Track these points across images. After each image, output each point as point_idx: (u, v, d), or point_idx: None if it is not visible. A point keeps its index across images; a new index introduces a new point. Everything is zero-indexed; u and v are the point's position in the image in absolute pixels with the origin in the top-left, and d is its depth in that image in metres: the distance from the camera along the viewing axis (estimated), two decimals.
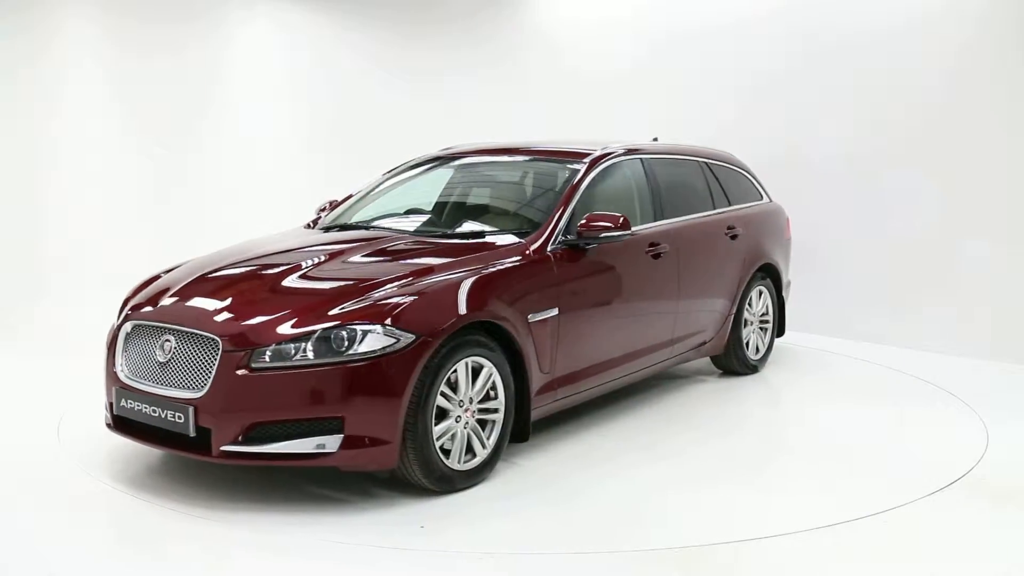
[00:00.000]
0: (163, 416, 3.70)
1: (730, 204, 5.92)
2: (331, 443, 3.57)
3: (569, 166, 4.94)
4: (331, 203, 5.56)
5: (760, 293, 6.08)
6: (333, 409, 3.57)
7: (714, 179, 5.89)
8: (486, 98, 9.30)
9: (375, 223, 4.99)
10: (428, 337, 3.69)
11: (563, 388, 4.46)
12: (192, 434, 3.63)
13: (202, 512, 3.67)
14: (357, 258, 4.33)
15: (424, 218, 5.10)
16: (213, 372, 3.61)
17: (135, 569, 3.26)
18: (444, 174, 5.48)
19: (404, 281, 3.89)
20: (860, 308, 7.17)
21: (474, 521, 3.66)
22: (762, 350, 6.14)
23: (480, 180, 5.45)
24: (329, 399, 3.56)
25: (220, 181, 8.96)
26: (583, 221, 4.51)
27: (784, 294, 6.36)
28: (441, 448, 3.81)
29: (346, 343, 3.60)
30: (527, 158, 5.32)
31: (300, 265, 4.17)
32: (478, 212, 5.14)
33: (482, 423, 4.01)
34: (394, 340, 3.63)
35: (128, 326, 4.03)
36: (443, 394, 3.79)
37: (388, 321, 3.66)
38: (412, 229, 4.84)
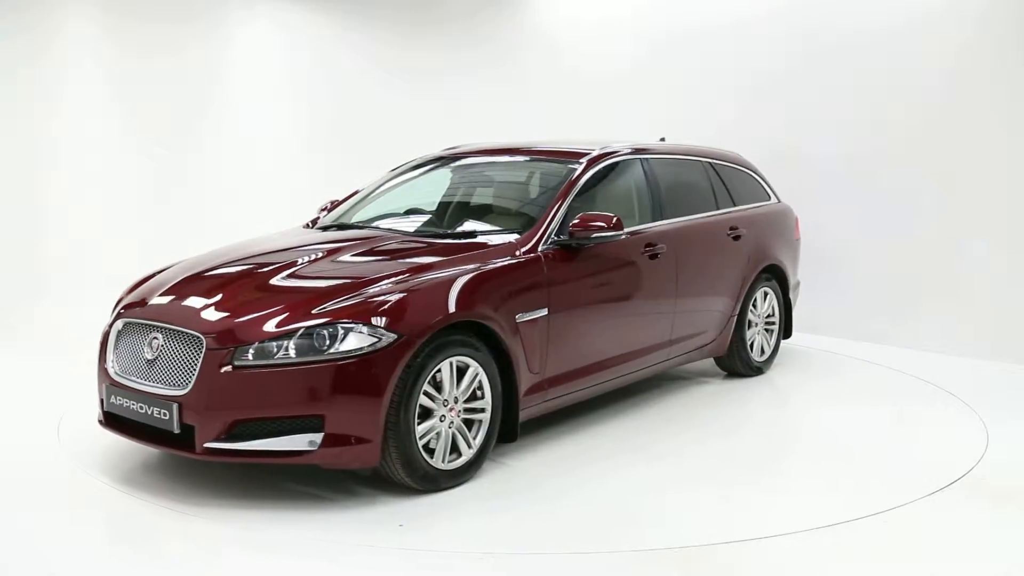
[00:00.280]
0: (149, 413, 3.76)
1: (735, 204, 5.88)
2: (313, 441, 3.60)
3: (565, 166, 4.93)
4: (333, 203, 5.58)
5: (765, 294, 6.03)
6: (314, 407, 3.59)
7: (718, 179, 5.86)
8: (486, 98, 9.30)
9: (372, 223, 5.01)
10: (410, 336, 3.71)
11: (554, 388, 4.45)
12: (176, 431, 3.68)
13: (196, 510, 3.68)
14: (346, 258, 4.36)
15: (422, 218, 5.11)
16: (197, 370, 3.66)
17: (134, 568, 3.27)
18: (444, 174, 5.49)
19: (388, 281, 3.91)
20: (860, 308, 7.17)
21: (455, 520, 3.67)
22: (767, 352, 6.09)
23: (479, 180, 5.45)
24: (310, 397, 3.59)
25: (220, 181, 8.96)
26: (575, 221, 4.50)
27: (791, 296, 6.30)
28: (426, 447, 3.82)
29: (327, 342, 3.63)
30: (527, 158, 5.32)
31: (289, 264, 4.22)
32: (476, 212, 5.14)
33: (468, 423, 4.01)
34: (375, 339, 3.65)
35: (119, 324, 4.11)
36: (427, 393, 3.80)
37: (369, 320, 3.68)
38: (408, 229, 4.86)
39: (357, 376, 3.61)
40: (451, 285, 3.97)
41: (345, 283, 3.93)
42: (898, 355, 6.62)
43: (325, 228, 5.09)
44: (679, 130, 6.96)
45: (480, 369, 3.99)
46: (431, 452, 3.84)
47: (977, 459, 4.41)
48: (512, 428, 4.20)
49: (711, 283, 5.52)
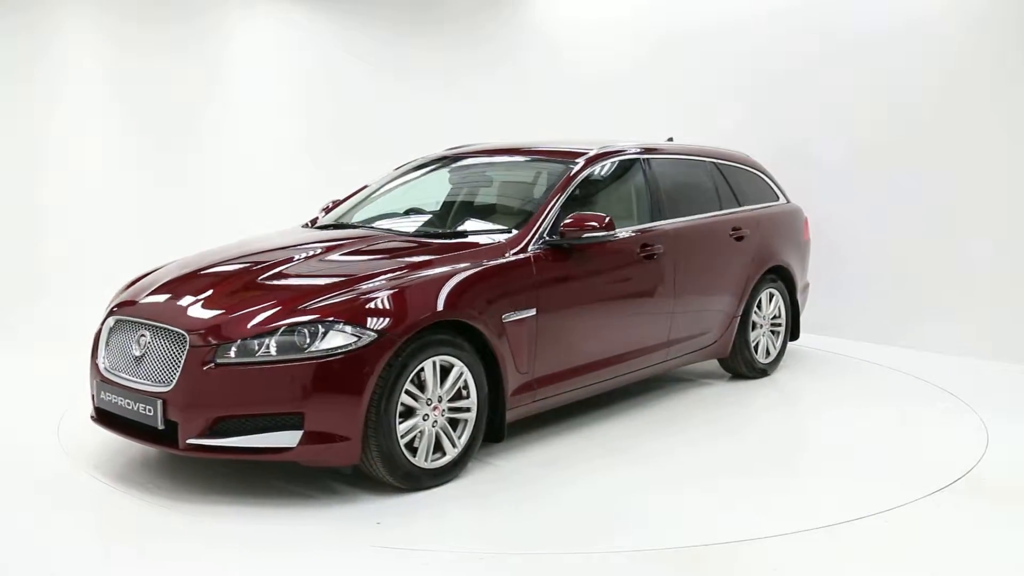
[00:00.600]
0: (136, 409, 3.82)
1: (740, 205, 5.83)
2: (292, 438, 3.62)
3: (561, 166, 4.93)
4: (335, 202, 5.61)
5: (771, 296, 5.97)
6: (293, 405, 3.62)
7: (723, 180, 5.82)
8: (486, 98, 9.30)
9: (369, 223, 5.04)
10: (391, 335, 3.72)
11: (543, 389, 4.43)
12: (161, 427, 3.72)
13: (199, 508, 3.68)
14: (335, 257, 4.39)
15: (420, 218, 5.13)
16: (181, 367, 3.70)
17: (134, 568, 3.26)
18: (444, 174, 5.49)
19: (372, 280, 3.93)
20: (860, 308, 7.17)
21: (434, 518, 3.67)
22: (773, 353, 6.03)
23: (477, 180, 5.46)
24: (290, 395, 3.62)
25: (220, 181, 8.96)
26: (567, 221, 4.50)
27: (800, 297, 6.24)
28: (410, 445, 3.83)
29: (308, 340, 3.65)
30: (526, 158, 5.31)
31: (278, 263, 4.25)
32: (473, 212, 5.15)
33: (454, 422, 4.02)
34: (355, 338, 3.67)
35: (111, 321, 4.18)
36: (409, 392, 3.81)
37: (350, 319, 3.70)
38: (403, 229, 4.88)
39: (337, 374, 3.64)
40: (434, 285, 3.98)
41: (330, 282, 3.96)
42: (898, 355, 6.61)
43: (322, 227, 5.12)
44: (679, 130, 6.95)
45: (465, 369, 3.99)
46: (415, 451, 3.86)
47: (977, 459, 4.41)
48: (499, 428, 4.21)
49: (712, 284, 5.49)
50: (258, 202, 8.87)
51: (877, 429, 4.98)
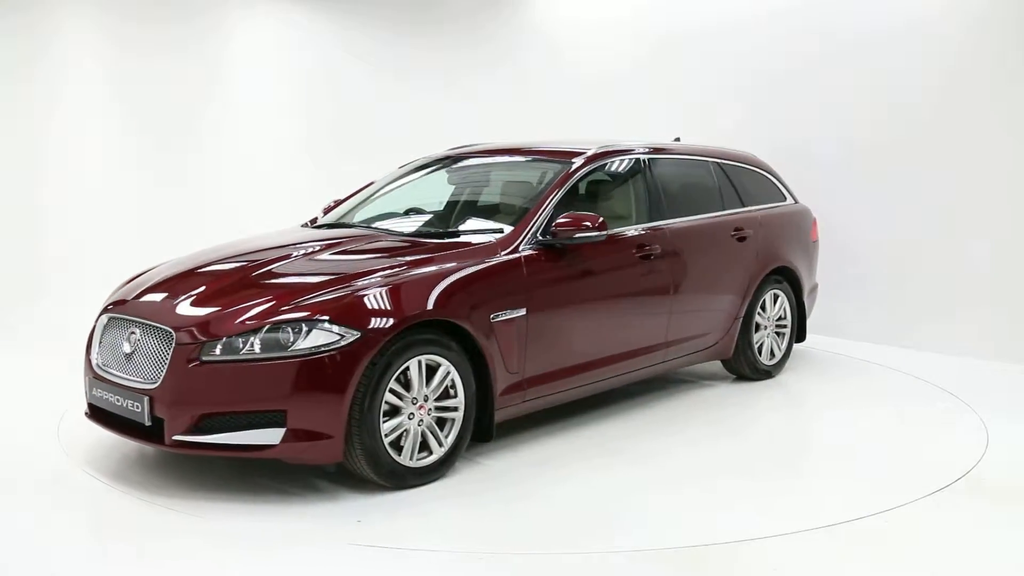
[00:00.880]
0: (124, 405, 3.86)
1: (743, 205, 5.80)
2: (274, 436, 3.64)
3: (557, 166, 4.93)
4: (337, 201, 5.62)
5: (776, 297, 5.92)
6: (276, 402, 3.64)
7: (726, 180, 5.78)
8: (486, 98, 9.30)
9: (368, 223, 5.06)
10: (374, 334, 3.73)
11: (534, 389, 4.43)
12: (148, 423, 3.76)
13: (200, 508, 3.68)
14: (325, 256, 4.41)
15: (419, 218, 5.14)
16: (167, 364, 3.74)
17: (135, 568, 3.26)
18: (445, 174, 5.50)
19: (358, 280, 3.94)
20: (860, 308, 7.17)
21: (417, 517, 3.67)
22: (778, 355, 5.98)
23: (476, 180, 5.46)
24: (272, 393, 3.64)
25: (220, 181, 8.96)
26: (558, 221, 4.49)
27: (807, 299, 6.17)
28: (396, 444, 3.85)
29: (291, 338, 3.67)
30: (526, 158, 5.31)
31: (269, 262, 4.28)
32: (472, 212, 5.14)
33: (441, 421, 4.02)
34: (338, 337, 3.68)
35: (104, 319, 4.23)
36: (394, 391, 3.82)
37: (332, 317, 3.72)
38: (400, 229, 4.89)
39: (319, 373, 3.65)
40: (420, 285, 4.00)
41: (317, 281, 3.98)
42: (898, 355, 6.61)
43: (320, 227, 5.15)
44: (678, 130, 6.96)
45: (452, 368, 4.00)
46: (401, 449, 3.87)
47: (977, 459, 4.41)
48: (488, 428, 4.21)
49: (712, 285, 5.45)
50: (258, 202, 8.87)
51: (877, 429, 4.97)
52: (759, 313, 5.80)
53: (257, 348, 3.67)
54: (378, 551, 3.35)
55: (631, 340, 4.96)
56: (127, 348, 3.97)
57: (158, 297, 4.12)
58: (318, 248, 4.48)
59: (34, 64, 8.12)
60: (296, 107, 9.45)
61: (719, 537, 3.50)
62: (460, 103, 9.34)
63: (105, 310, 4.28)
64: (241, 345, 3.68)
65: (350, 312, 3.76)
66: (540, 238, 4.49)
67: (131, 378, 3.89)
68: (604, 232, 4.52)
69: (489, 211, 5.11)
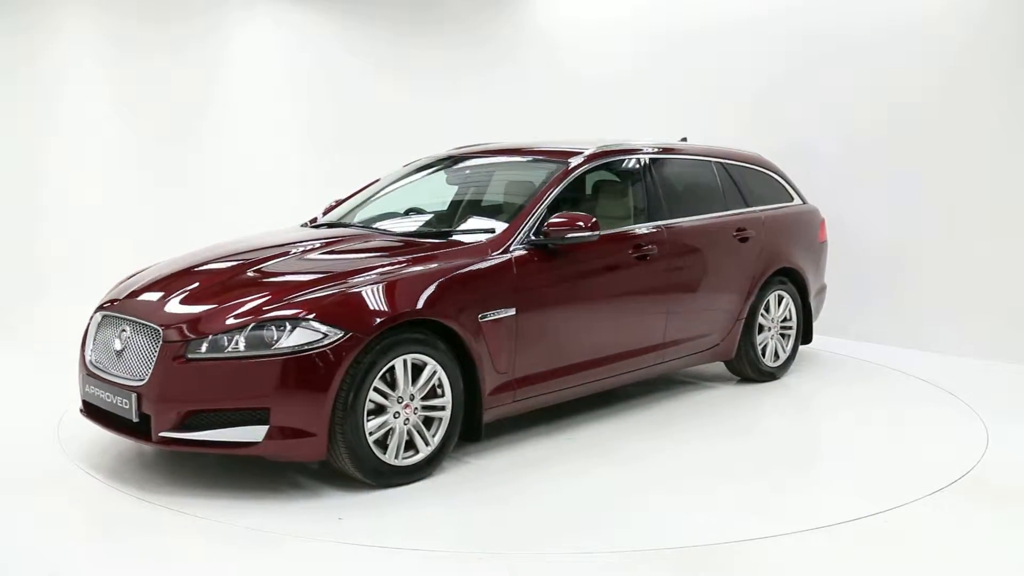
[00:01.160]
0: (114, 402, 3.91)
1: (747, 206, 5.75)
2: (258, 433, 3.66)
3: (554, 166, 4.92)
4: (337, 201, 5.63)
5: (780, 298, 5.87)
6: (259, 400, 3.67)
7: (729, 180, 5.73)
8: (486, 98, 9.30)
9: (367, 223, 5.07)
10: (357, 333, 3.75)
11: (524, 389, 4.42)
12: (135, 419, 3.80)
13: (202, 508, 3.68)
14: (316, 256, 4.43)
15: (418, 218, 5.15)
16: (154, 361, 3.78)
17: (135, 567, 3.26)
18: (445, 174, 5.50)
19: (344, 279, 3.96)
20: (860, 308, 7.17)
21: (399, 515, 3.67)
22: (783, 357, 5.93)
23: (476, 180, 5.46)
24: (256, 390, 3.67)
25: (220, 181, 8.96)
26: (550, 221, 4.49)
27: (814, 301, 6.12)
28: (382, 442, 3.86)
29: (276, 336, 3.69)
30: (526, 158, 5.30)
31: (260, 261, 4.31)
32: (470, 212, 5.14)
33: (429, 420, 4.03)
34: (321, 335, 3.71)
35: (98, 316, 4.28)
36: (378, 390, 3.83)
37: (315, 316, 3.74)
38: (397, 229, 4.91)
39: (302, 371, 3.68)
40: (406, 284, 4.01)
41: (305, 280, 4.00)
42: (898, 355, 6.61)
43: (318, 227, 5.17)
44: (678, 130, 6.96)
45: (439, 367, 4.00)
46: (387, 447, 3.88)
47: (977, 459, 4.41)
48: (476, 427, 4.21)
49: (712, 285, 5.41)
50: (258, 202, 8.87)
51: (877, 429, 4.98)
52: (763, 314, 5.76)
53: (242, 346, 3.70)
54: (357, 549, 3.36)
55: (626, 340, 4.94)
56: (118, 345, 4.02)
57: (149, 296, 4.17)
58: (311, 248, 4.50)
59: (34, 64, 8.11)
60: (296, 107, 9.44)
61: (719, 537, 3.50)
62: (460, 103, 9.34)
63: (99, 308, 4.33)
64: (226, 343, 3.71)
65: (334, 311, 3.78)
66: (532, 238, 4.49)
67: (121, 375, 3.94)
68: (597, 232, 4.50)
69: (487, 211, 5.11)
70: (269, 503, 3.76)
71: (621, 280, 4.89)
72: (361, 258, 4.33)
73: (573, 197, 4.98)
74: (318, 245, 4.54)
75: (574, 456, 4.40)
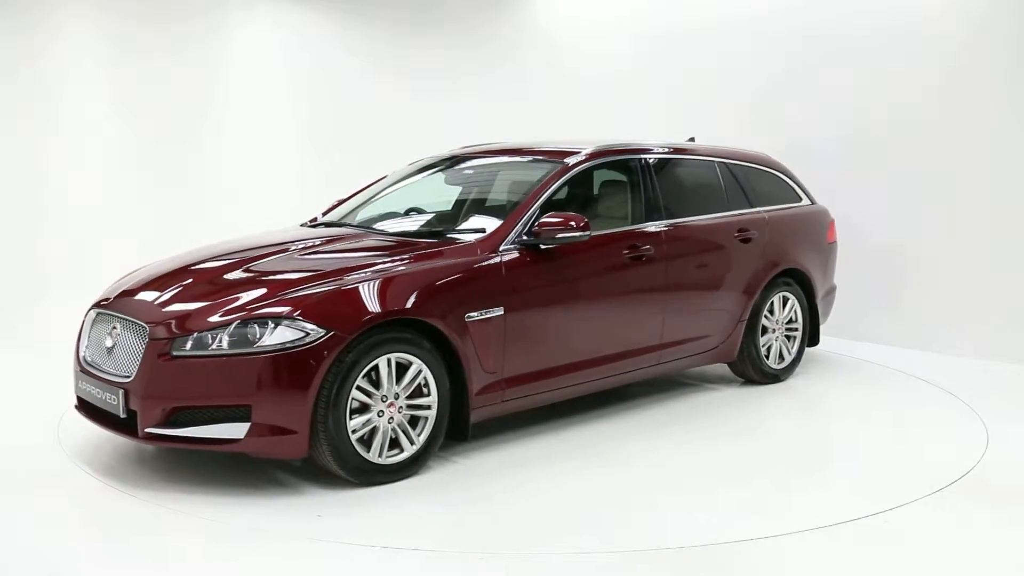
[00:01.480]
0: (103, 398, 3.96)
1: (751, 206, 5.71)
2: (240, 430, 3.69)
3: (551, 166, 4.91)
4: (339, 201, 5.63)
5: (785, 299, 5.81)
6: (241, 397, 3.70)
7: (733, 180, 5.69)
8: (486, 98, 9.30)
9: (365, 222, 5.09)
10: (339, 332, 3.76)
11: (513, 389, 4.40)
12: (123, 415, 3.84)
13: (200, 507, 3.69)
14: (307, 255, 4.45)
15: (417, 218, 5.15)
16: (141, 358, 3.82)
17: (136, 567, 3.26)
18: (444, 174, 5.50)
19: (329, 279, 3.98)
20: (860, 308, 7.16)
21: (381, 513, 3.67)
22: (788, 358, 5.87)
23: (475, 180, 5.46)
24: (238, 388, 3.70)
25: (220, 181, 8.95)
26: (541, 221, 4.47)
27: (821, 302, 6.06)
28: (368, 441, 3.88)
29: (259, 334, 3.73)
30: (526, 158, 5.29)
31: (251, 260, 4.35)
32: (468, 212, 5.14)
33: (414, 420, 4.03)
34: (303, 334, 3.73)
35: (92, 314, 4.33)
36: (362, 389, 3.84)
37: (298, 314, 3.76)
38: (391, 229, 4.92)
39: (283, 369, 3.71)
40: (391, 283, 4.02)
41: (292, 279, 4.03)
42: (898, 355, 6.61)
43: (316, 226, 5.18)
44: (679, 130, 6.96)
45: (424, 367, 4.00)
46: (370, 446, 3.89)
47: (977, 459, 4.40)
48: (463, 427, 4.21)
49: (712, 286, 5.37)
50: (258, 202, 8.86)
51: (877, 429, 4.97)
52: (767, 316, 5.71)
53: (225, 344, 3.73)
54: (335, 546, 3.36)
55: (621, 341, 4.91)
56: (109, 343, 4.06)
57: (140, 294, 4.21)
58: (304, 247, 4.52)
59: (34, 64, 8.11)
60: (296, 107, 9.43)
61: (719, 537, 3.49)
62: (460, 103, 9.33)
63: (93, 306, 4.37)
64: (210, 340, 3.74)
65: (316, 310, 3.80)
66: (524, 238, 4.48)
67: (111, 372, 3.99)
68: (588, 232, 4.48)
69: (486, 211, 5.10)
70: (256, 500, 3.77)
71: (615, 280, 4.87)
72: (350, 257, 4.36)
73: (572, 198, 4.98)
74: (311, 245, 4.56)
75: (572, 455, 4.40)
